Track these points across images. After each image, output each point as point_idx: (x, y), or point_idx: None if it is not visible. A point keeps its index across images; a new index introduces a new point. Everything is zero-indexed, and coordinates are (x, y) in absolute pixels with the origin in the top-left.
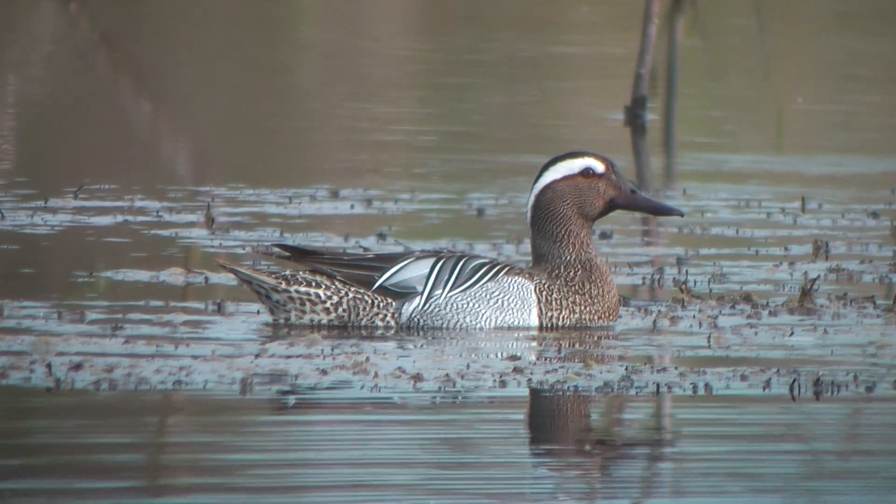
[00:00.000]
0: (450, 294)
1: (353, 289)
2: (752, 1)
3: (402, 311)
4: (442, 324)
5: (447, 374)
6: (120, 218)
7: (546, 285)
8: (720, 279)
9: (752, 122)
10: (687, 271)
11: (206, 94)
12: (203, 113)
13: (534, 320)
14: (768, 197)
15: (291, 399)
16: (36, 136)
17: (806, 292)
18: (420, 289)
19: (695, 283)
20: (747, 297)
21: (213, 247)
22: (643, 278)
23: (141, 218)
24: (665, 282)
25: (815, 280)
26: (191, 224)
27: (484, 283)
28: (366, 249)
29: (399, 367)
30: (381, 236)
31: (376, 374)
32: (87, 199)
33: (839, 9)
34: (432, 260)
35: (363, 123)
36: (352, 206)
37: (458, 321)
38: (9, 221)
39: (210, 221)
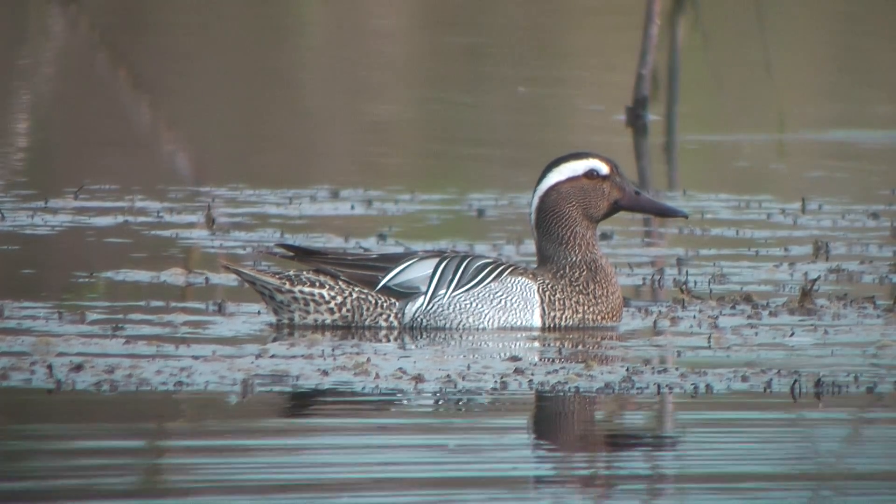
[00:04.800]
0: (453, 294)
1: (356, 289)
2: (754, 0)
3: (406, 311)
4: (445, 324)
5: (448, 375)
6: (120, 218)
7: (549, 285)
8: (720, 280)
9: (754, 122)
10: (687, 272)
11: (207, 95)
12: (203, 113)
13: (536, 321)
14: (768, 198)
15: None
16: (36, 136)
17: (806, 293)
18: (424, 289)
19: (695, 283)
20: (748, 298)
21: (213, 247)
22: (643, 279)
23: (141, 218)
24: (665, 282)
25: (815, 280)
26: (191, 224)
27: (487, 284)
28: (366, 250)
29: (400, 368)
30: (382, 237)
31: (377, 375)
32: (88, 199)
33: (842, 7)
34: (436, 260)
35: (363, 124)
36: (352, 207)
37: (461, 321)
38: (9, 222)
39: (210, 222)
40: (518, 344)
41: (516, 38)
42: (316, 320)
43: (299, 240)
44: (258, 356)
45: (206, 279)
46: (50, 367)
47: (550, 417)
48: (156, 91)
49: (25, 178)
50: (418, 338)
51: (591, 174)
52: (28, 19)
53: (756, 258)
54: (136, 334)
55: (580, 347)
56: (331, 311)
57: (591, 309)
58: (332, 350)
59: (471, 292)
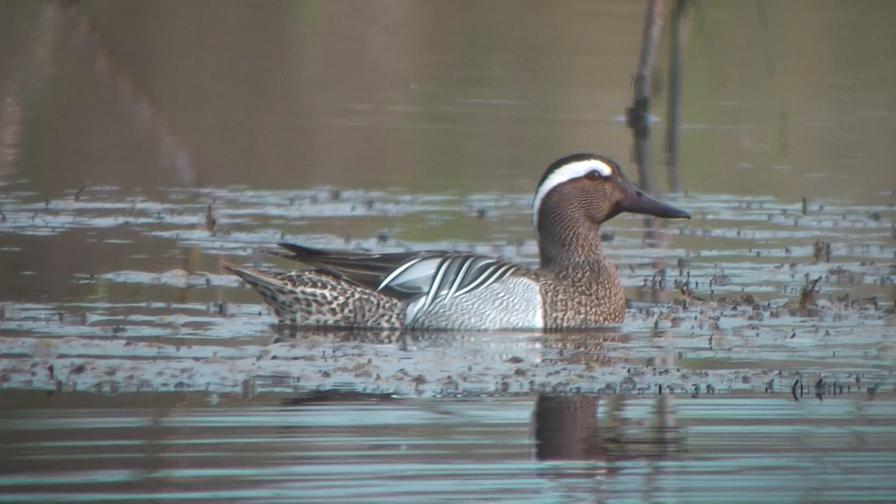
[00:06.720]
0: (455, 295)
1: (359, 289)
2: (756, 1)
3: (408, 311)
4: (447, 324)
5: (449, 376)
6: (121, 220)
7: (552, 286)
8: (721, 281)
9: (755, 123)
10: (688, 273)
11: (207, 96)
12: (204, 114)
13: (538, 321)
14: (770, 199)
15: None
16: (37, 137)
17: (807, 294)
18: (426, 289)
19: (696, 284)
20: (749, 299)
21: (214, 248)
22: (645, 280)
23: (142, 220)
24: (666, 283)
25: (816, 281)
26: (192, 226)
27: (490, 284)
28: (367, 251)
29: (401, 370)
30: (383, 238)
31: (378, 377)
32: (89, 200)
33: (845, 7)
34: (438, 260)
35: (364, 125)
36: (353, 208)
37: (462, 322)
38: (10, 223)
39: (211, 223)
40: (520, 345)
41: (516, 36)
42: (318, 321)
43: (300, 241)
44: (259, 357)
45: (207, 280)
46: (51, 368)
47: (552, 418)
48: (156, 92)
49: (26, 179)
50: (420, 339)
51: (592, 175)
52: (28, 20)
53: (757, 259)
54: (136, 336)
55: (582, 348)
56: (333, 311)
57: (594, 310)
58: (334, 351)
59: (473, 293)
